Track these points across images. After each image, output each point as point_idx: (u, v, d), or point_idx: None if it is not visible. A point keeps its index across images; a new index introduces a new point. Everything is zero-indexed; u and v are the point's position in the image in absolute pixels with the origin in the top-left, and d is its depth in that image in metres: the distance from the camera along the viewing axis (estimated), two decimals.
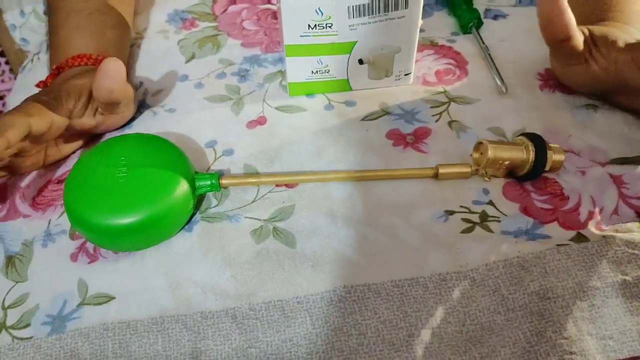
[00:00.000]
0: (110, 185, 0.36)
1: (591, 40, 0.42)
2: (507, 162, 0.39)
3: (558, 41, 0.40)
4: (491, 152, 0.38)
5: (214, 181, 0.39)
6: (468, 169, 0.40)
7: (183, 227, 0.39)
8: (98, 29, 0.48)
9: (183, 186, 0.37)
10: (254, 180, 0.40)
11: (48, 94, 0.41)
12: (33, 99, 0.41)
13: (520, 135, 0.41)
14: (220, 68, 0.51)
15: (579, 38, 0.40)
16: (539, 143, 0.39)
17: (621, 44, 0.40)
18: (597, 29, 0.42)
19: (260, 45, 0.53)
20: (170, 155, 0.39)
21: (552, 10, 0.39)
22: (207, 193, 0.40)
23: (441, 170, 0.40)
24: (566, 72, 0.44)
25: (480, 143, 0.40)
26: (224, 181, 0.39)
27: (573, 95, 0.46)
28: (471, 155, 0.41)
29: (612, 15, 0.45)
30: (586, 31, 0.42)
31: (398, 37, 0.44)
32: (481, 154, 0.40)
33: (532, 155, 0.39)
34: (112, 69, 0.40)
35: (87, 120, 0.43)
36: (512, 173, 0.40)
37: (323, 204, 0.39)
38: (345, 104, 0.46)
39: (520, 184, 0.40)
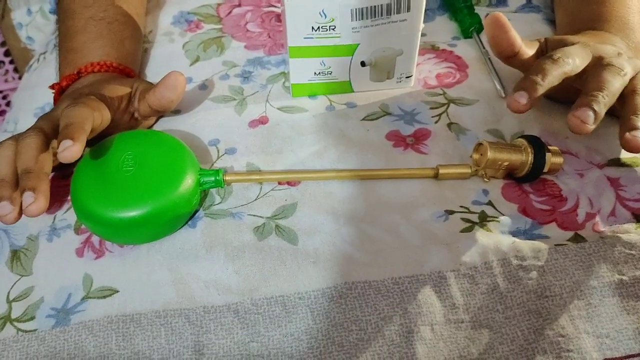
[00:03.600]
0: (117, 180, 0.37)
1: (545, 49, 0.43)
2: (506, 164, 0.39)
3: (507, 57, 0.42)
4: (491, 154, 0.39)
5: (218, 177, 0.39)
6: (468, 170, 0.40)
7: (187, 223, 0.39)
8: (118, 39, 0.49)
9: (188, 181, 0.37)
10: (257, 177, 0.40)
11: (91, 93, 0.41)
12: (89, 93, 0.41)
13: (519, 137, 0.41)
14: (224, 70, 0.51)
15: (527, 52, 0.42)
16: (537, 145, 0.39)
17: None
18: (555, 37, 0.43)
19: (264, 47, 0.53)
20: (175, 151, 0.39)
21: (496, 30, 0.40)
22: (211, 191, 0.41)
23: (441, 171, 0.40)
24: None
25: (480, 144, 0.40)
26: (227, 177, 0.40)
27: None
28: (471, 156, 0.41)
29: (598, 25, 0.46)
30: (542, 40, 0.43)
31: (400, 40, 0.44)
32: (481, 155, 0.40)
33: (530, 157, 0.39)
34: (178, 82, 0.43)
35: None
36: (511, 174, 0.41)
37: (325, 202, 0.40)
38: (347, 105, 0.47)
39: (519, 185, 0.40)
